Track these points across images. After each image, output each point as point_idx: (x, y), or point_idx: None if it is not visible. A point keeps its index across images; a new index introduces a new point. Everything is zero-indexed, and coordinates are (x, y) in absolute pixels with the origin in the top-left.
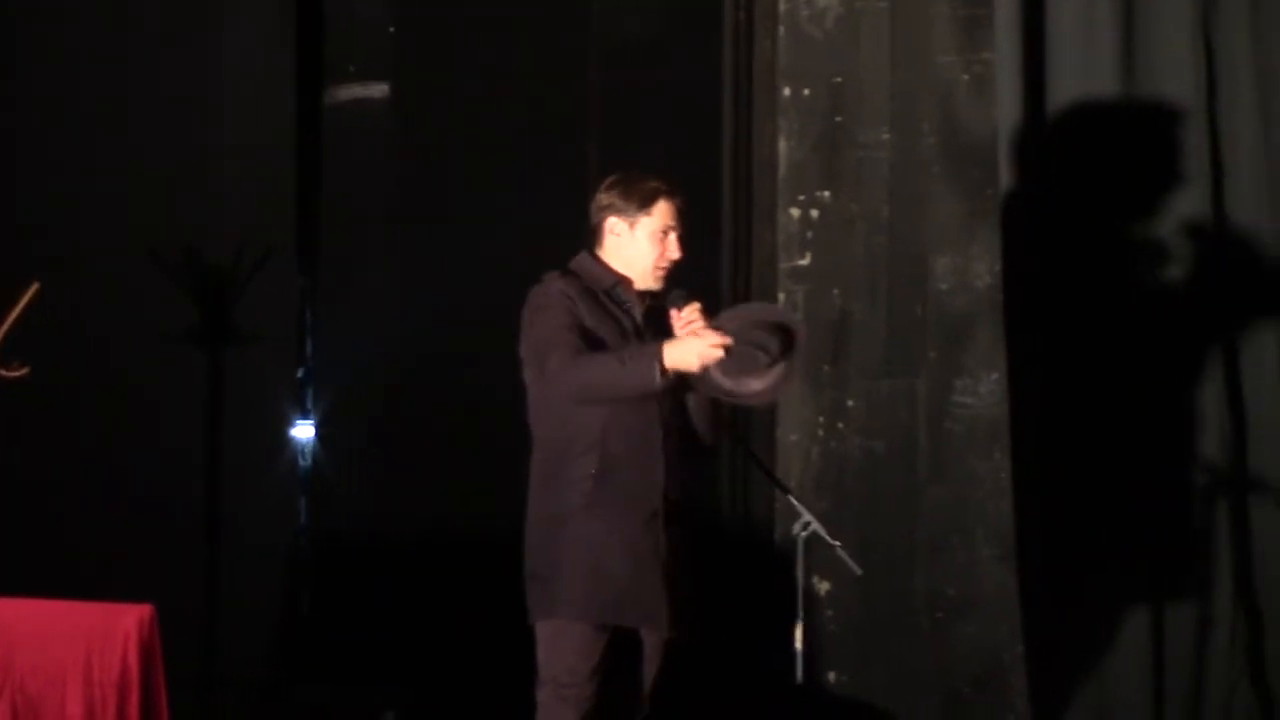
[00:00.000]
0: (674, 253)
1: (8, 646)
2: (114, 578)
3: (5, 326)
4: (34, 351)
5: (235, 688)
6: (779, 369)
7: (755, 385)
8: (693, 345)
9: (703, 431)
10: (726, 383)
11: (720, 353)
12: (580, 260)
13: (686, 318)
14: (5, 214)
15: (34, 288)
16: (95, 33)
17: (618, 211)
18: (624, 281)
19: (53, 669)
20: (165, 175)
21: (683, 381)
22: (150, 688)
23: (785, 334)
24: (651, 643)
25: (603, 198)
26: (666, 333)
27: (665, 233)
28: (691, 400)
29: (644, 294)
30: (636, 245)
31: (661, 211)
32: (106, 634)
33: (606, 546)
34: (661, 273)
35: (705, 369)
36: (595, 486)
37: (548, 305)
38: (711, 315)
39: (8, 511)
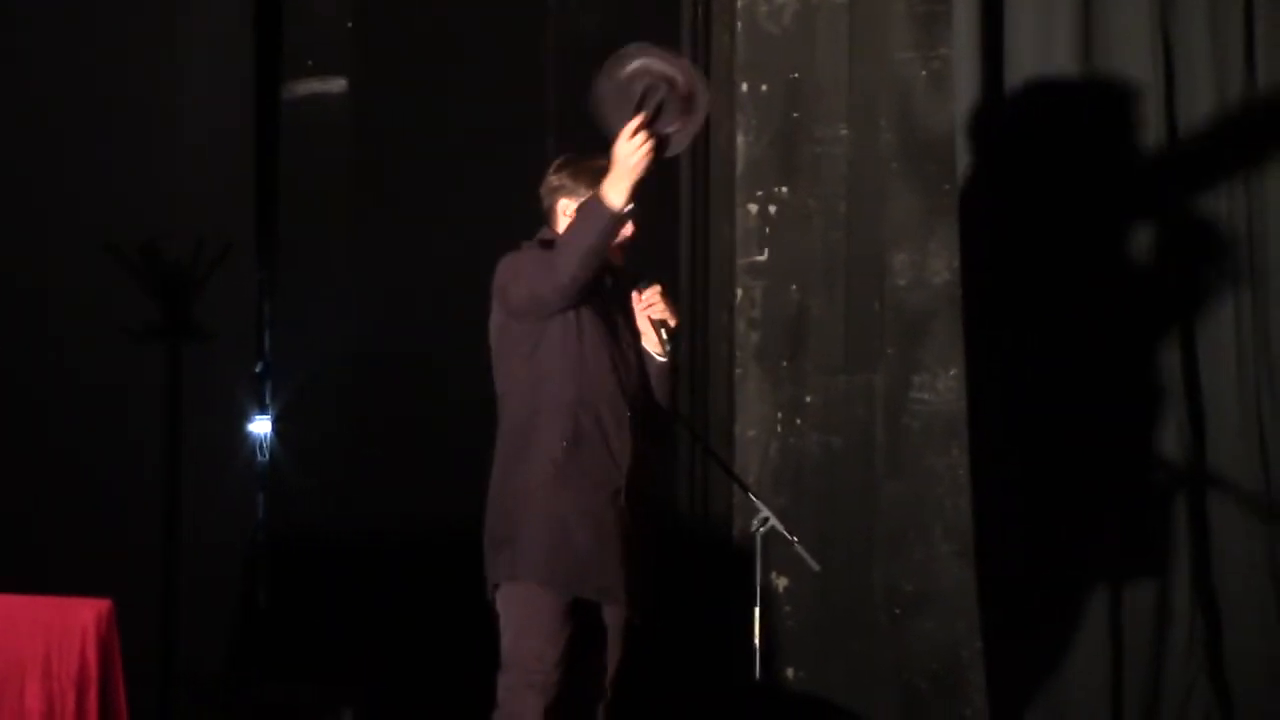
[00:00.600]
0: (626, 230)
1: None
2: (72, 573)
3: None
4: None
5: (192, 683)
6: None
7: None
8: (623, 154)
9: (661, 400)
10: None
11: (647, 152)
12: (546, 236)
13: (647, 300)
14: None
15: None
16: (53, 28)
17: (568, 193)
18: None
19: (11, 664)
20: (124, 170)
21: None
22: (108, 683)
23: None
24: (614, 627)
25: (553, 179)
26: (630, 311)
27: None
28: (651, 368)
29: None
30: None
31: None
32: (65, 629)
33: (571, 518)
34: (618, 250)
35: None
36: (565, 459)
37: (528, 261)
38: (674, 300)
39: None
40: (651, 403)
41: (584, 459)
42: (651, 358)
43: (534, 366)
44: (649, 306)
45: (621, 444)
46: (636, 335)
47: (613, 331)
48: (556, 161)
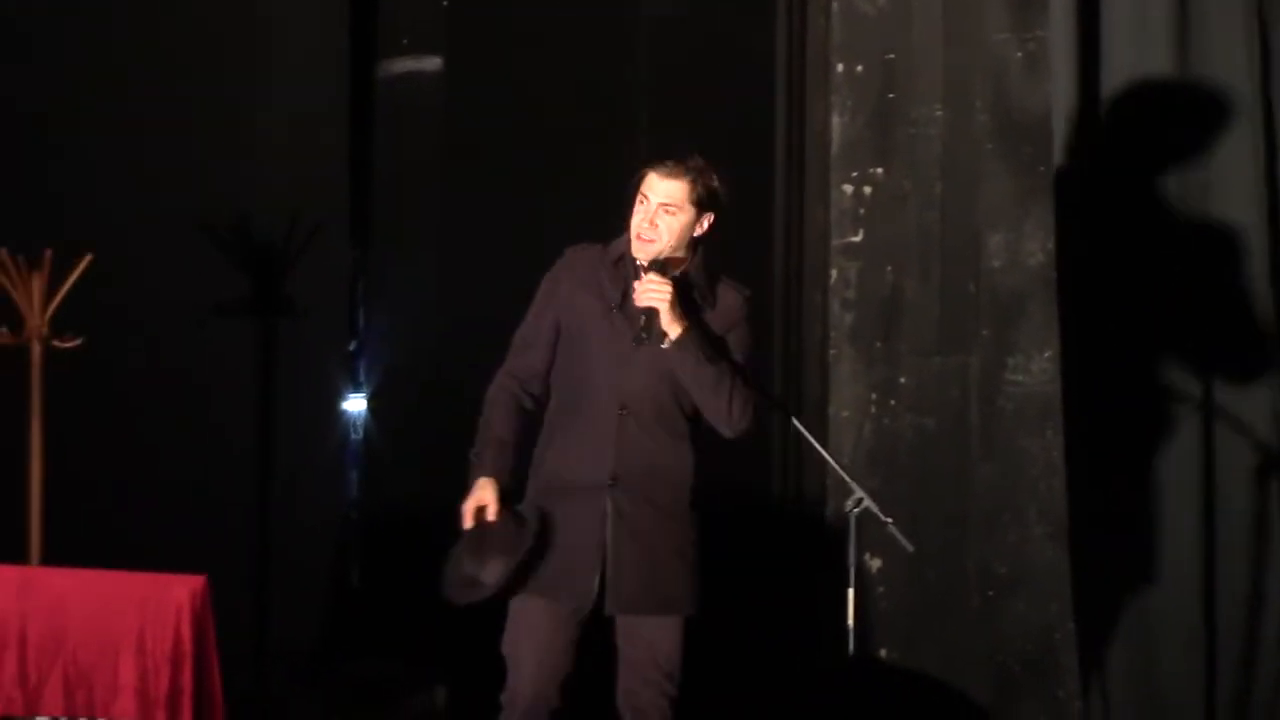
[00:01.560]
0: (645, 219)
1: (61, 617)
2: (167, 549)
3: (58, 298)
4: (87, 323)
5: (286, 660)
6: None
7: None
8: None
9: (706, 409)
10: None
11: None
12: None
13: (641, 288)
14: (58, 186)
15: (86, 260)
16: (149, 4)
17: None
18: (629, 254)
19: (105, 640)
20: (218, 147)
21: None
22: (203, 659)
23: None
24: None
25: None
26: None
27: (641, 200)
28: (672, 363)
29: (652, 264)
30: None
31: (645, 182)
32: (159, 605)
33: (552, 526)
34: (637, 239)
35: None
36: (549, 467)
37: (539, 292)
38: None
39: (60, 483)
40: (681, 411)
41: (567, 451)
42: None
43: (553, 377)
44: (638, 295)
45: (605, 433)
46: (655, 334)
47: (622, 335)
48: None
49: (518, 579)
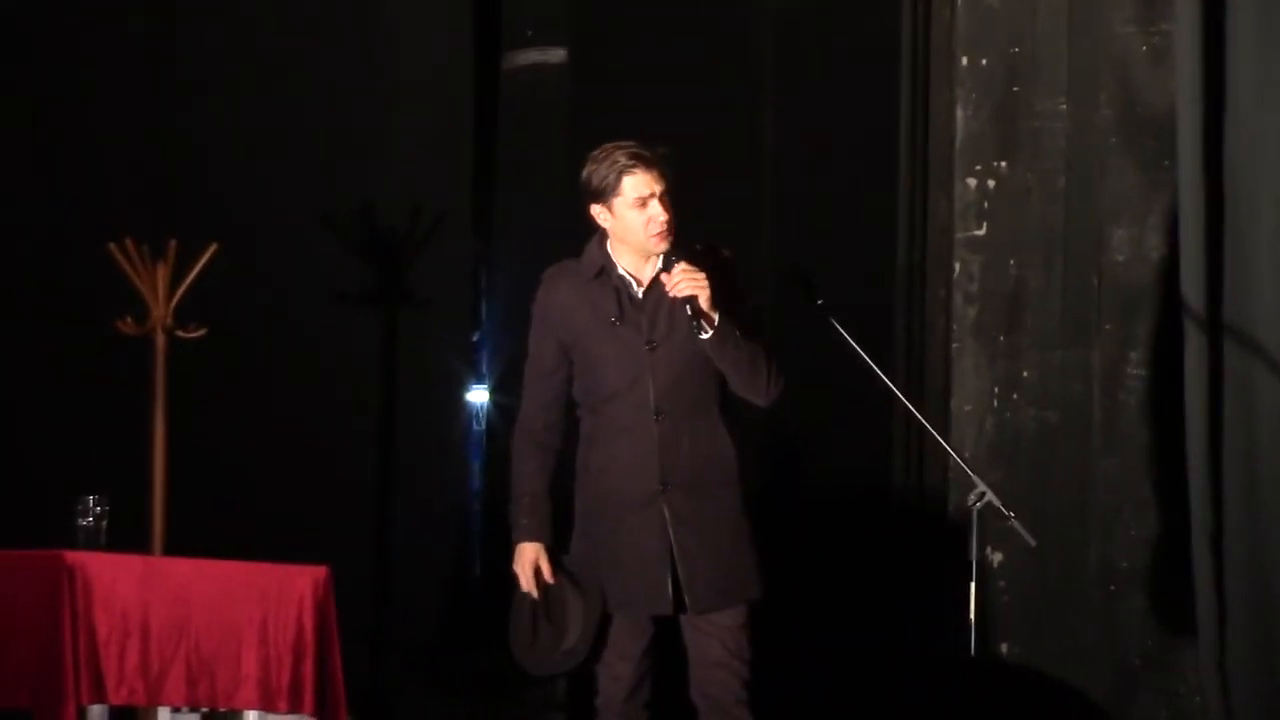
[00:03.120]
0: (659, 215)
1: (184, 606)
2: (290, 539)
3: (183, 287)
4: (211, 313)
5: (406, 651)
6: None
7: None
8: (520, 567)
9: (741, 386)
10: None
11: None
12: (589, 245)
13: (672, 280)
14: (183, 177)
15: (212, 249)
16: None
17: (594, 198)
18: (611, 264)
19: (228, 629)
20: (342, 138)
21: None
22: (325, 649)
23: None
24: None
25: (581, 180)
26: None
27: (643, 202)
28: (709, 352)
29: (662, 259)
30: (621, 223)
31: (631, 186)
32: (282, 595)
33: (606, 539)
34: (658, 237)
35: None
36: (594, 475)
37: (533, 321)
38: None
39: (184, 473)
40: (711, 399)
41: (611, 469)
42: (700, 338)
43: (574, 392)
44: (673, 288)
45: (646, 443)
46: (682, 328)
47: (631, 344)
48: (586, 161)
49: (590, 637)
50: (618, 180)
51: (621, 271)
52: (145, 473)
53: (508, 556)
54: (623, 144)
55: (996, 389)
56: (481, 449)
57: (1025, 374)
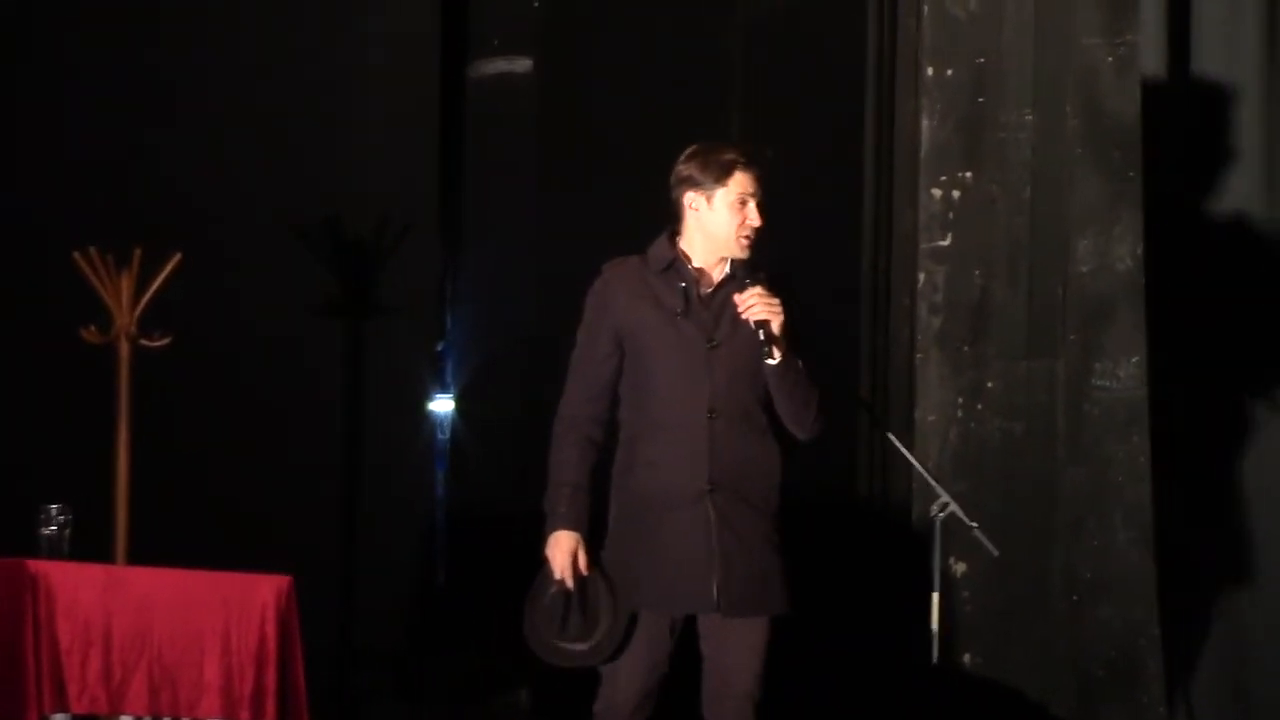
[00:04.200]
0: (754, 220)
1: (147, 615)
2: (253, 548)
3: (147, 296)
4: (176, 322)
5: (371, 660)
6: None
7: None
8: (553, 555)
9: (788, 416)
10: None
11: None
12: (655, 242)
13: (745, 302)
14: (149, 184)
15: (176, 258)
16: (241, 7)
17: (694, 185)
18: (681, 259)
19: (191, 638)
20: (309, 147)
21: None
22: (287, 658)
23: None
24: (736, 634)
25: (681, 169)
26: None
27: (743, 201)
28: (766, 372)
29: (732, 264)
30: (715, 216)
31: (738, 181)
32: (244, 604)
33: (644, 535)
34: (745, 241)
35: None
36: (642, 469)
37: (587, 311)
38: (778, 293)
39: (147, 482)
40: (760, 405)
41: (659, 464)
42: (767, 362)
43: (622, 386)
44: (747, 308)
45: (698, 440)
46: (744, 337)
47: (693, 341)
48: (686, 152)
49: (619, 635)
50: (727, 173)
51: (691, 268)
52: (109, 481)
53: (472, 566)
54: (729, 144)
55: (961, 399)
56: (446, 458)
57: (990, 384)
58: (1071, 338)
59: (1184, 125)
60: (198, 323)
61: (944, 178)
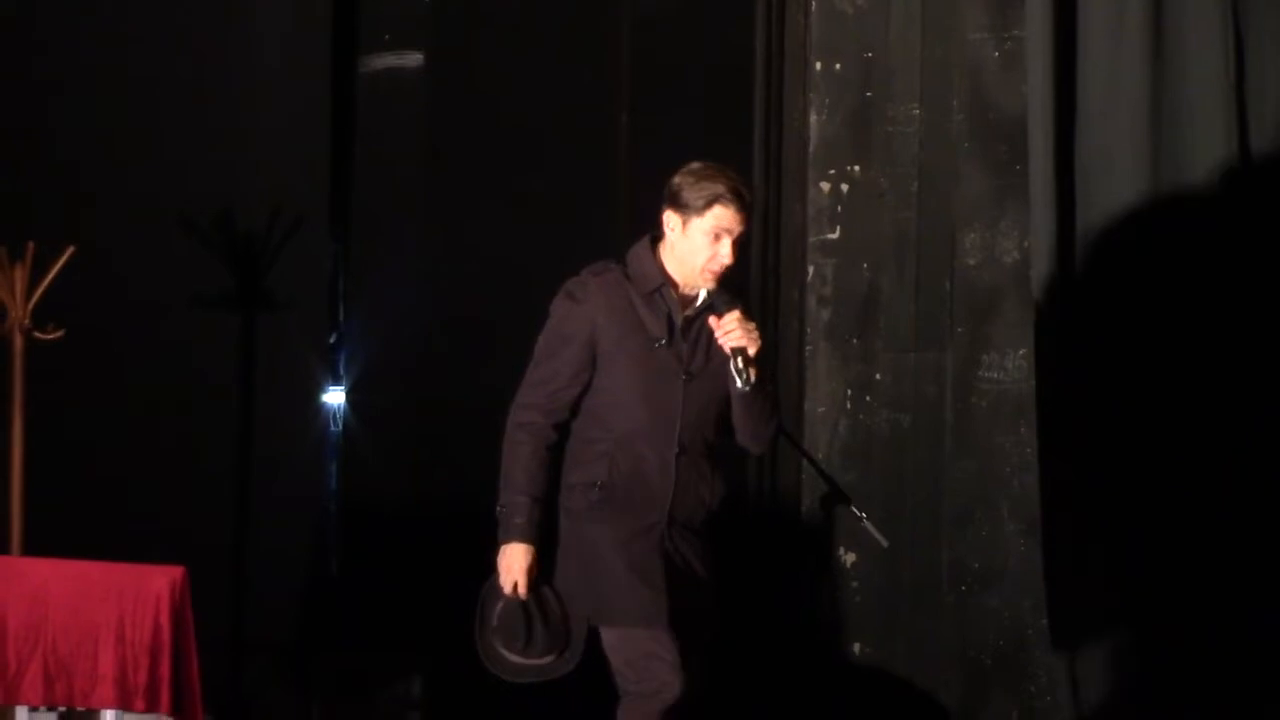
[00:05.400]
0: (725, 257)
1: (41, 606)
2: (146, 540)
3: (40, 290)
4: (68, 315)
5: (264, 651)
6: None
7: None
8: (508, 567)
9: (750, 429)
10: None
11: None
12: (636, 252)
13: (725, 327)
14: (41, 178)
15: (69, 251)
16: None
17: (677, 205)
18: (668, 284)
19: (86, 629)
20: (201, 140)
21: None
22: (181, 649)
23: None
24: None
25: (673, 183)
26: (707, 338)
27: (718, 236)
28: (735, 396)
29: (695, 296)
30: (689, 242)
31: (717, 215)
32: (139, 595)
33: (602, 550)
34: (710, 275)
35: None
36: (599, 497)
37: (563, 321)
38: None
39: (41, 473)
40: (719, 435)
41: (620, 497)
42: (736, 386)
43: (588, 400)
44: (725, 334)
45: (665, 480)
46: (715, 364)
47: (671, 372)
48: (689, 165)
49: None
50: (710, 203)
51: (669, 295)
52: (3, 472)
53: (365, 557)
54: (729, 173)
55: (850, 391)
56: (338, 450)
57: (878, 376)
58: (959, 330)
59: (1069, 119)
60: (91, 316)
61: (832, 171)
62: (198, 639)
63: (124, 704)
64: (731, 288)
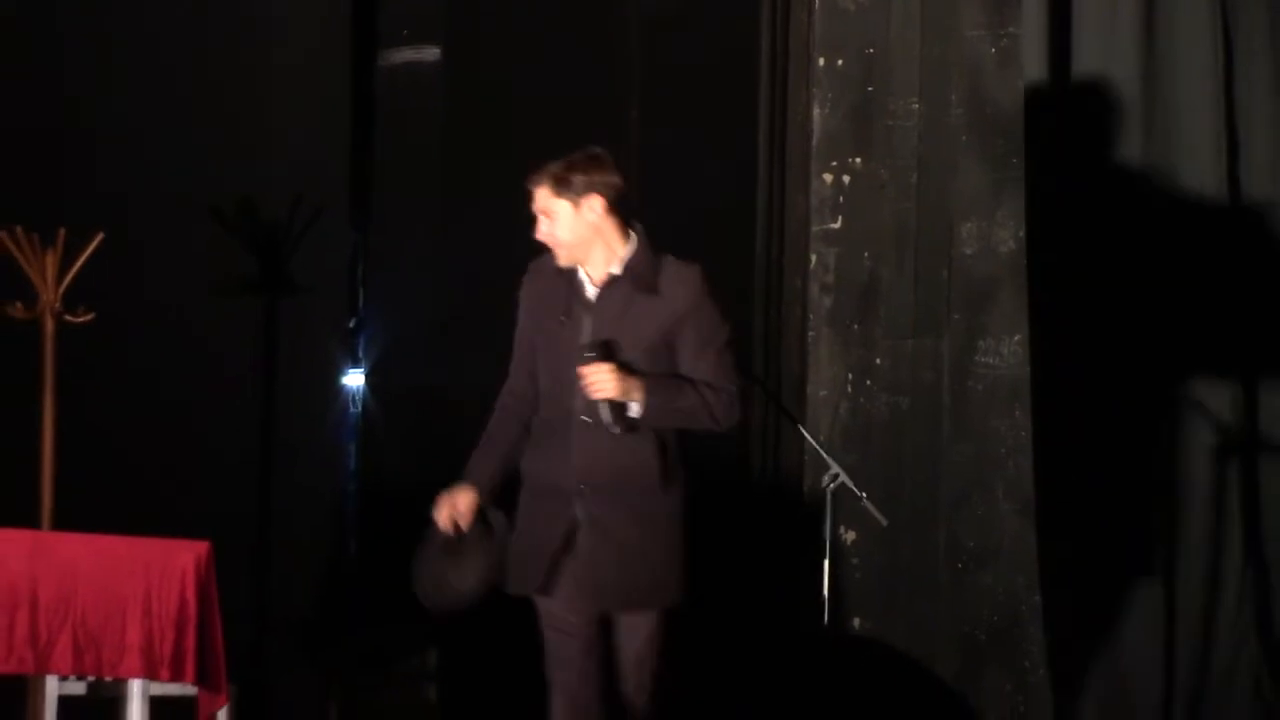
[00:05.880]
0: (541, 235)
1: (72, 580)
2: (172, 517)
3: (70, 275)
4: (98, 299)
5: (284, 624)
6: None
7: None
8: (443, 501)
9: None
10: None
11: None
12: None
13: (590, 379)
14: (72, 167)
15: (99, 237)
16: None
17: (605, 192)
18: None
19: (114, 601)
20: (225, 131)
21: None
22: (206, 622)
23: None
24: (629, 626)
25: (598, 177)
26: (605, 315)
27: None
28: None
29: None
30: (608, 222)
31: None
32: (165, 569)
33: (524, 522)
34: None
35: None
36: (526, 470)
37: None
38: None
39: (73, 453)
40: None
41: (536, 469)
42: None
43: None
44: (592, 387)
45: (566, 450)
46: (625, 334)
47: (571, 340)
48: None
49: (491, 581)
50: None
51: (583, 273)
52: (34, 452)
53: (382, 535)
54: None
55: (850, 376)
56: (357, 431)
57: (878, 361)
58: (956, 317)
59: (1064, 113)
60: (118, 301)
61: (834, 163)
62: (222, 614)
63: (150, 673)
64: (647, 266)
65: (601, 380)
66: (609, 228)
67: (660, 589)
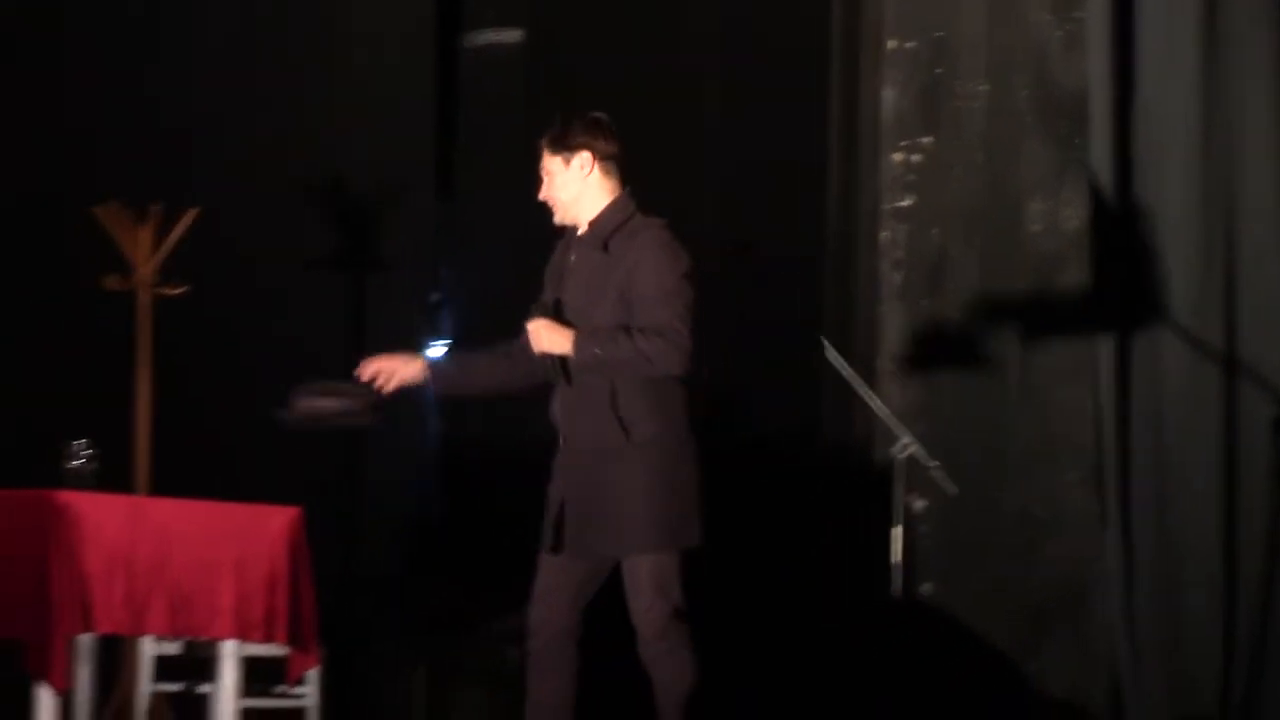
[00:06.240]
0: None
1: (166, 543)
2: (264, 483)
3: (165, 249)
4: (193, 273)
5: (373, 586)
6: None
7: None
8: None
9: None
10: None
11: None
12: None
13: (532, 334)
14: (168, 145)
15: (193, 213)
16: None
17: (601, 154)
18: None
19: (207, 564)
20: (314, 112)
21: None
22: (297, 584)
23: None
24: (629, 572)
25: (598, 139)
26: (579, 276)
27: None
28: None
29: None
30: (604, 177)
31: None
32: (257, 533)
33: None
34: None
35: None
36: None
37: None
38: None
39: (168, 421)
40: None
41: (550, 422)
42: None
43: None
44: (530, 341)
45: (557, 407)
46: (577, 290)
47: (555, 292)
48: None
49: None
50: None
51: (571, 233)
52: (131, 419)
53: (466, 500)
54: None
55: (919, 349)
56: (440, 399)
57: (946, 335)
58: (1023, 292)
59: (1128, 97)
60: (211, 275)
61: (904, 143)
62: (312, 575)
63: (242, 635)
64: (616, 225)
65: (536, 335)
66: (594, 187)
67: (631, 534)
